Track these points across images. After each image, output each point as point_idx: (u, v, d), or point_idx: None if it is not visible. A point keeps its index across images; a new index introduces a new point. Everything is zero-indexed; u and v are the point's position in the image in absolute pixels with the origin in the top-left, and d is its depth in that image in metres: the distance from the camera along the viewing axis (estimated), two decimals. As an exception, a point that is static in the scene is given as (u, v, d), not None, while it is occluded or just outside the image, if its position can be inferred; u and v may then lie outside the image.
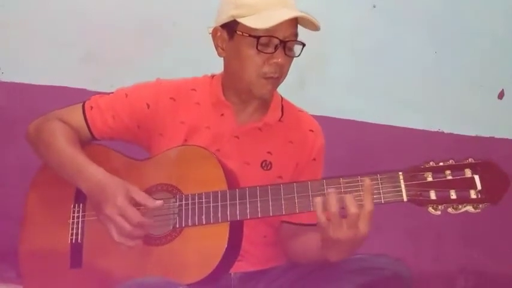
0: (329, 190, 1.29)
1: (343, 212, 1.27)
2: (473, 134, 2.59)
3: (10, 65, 2.40)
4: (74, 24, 2.38)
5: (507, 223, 2.57)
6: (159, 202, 1.41)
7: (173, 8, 2.40)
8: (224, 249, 1.36)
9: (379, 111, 2.53)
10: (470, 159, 1.28)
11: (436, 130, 2.60)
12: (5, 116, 2.38)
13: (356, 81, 2.52)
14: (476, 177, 1.26)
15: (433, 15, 2.53)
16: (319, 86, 2.49)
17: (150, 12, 2.40)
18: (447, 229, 2.55)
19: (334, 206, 1.26)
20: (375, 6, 2.51)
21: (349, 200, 1.26)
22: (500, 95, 2.62)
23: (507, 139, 2.60)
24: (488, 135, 2.60)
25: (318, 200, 1.29)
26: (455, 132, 2.59)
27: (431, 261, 2.58)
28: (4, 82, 2.40)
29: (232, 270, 1.46)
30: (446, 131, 2.60)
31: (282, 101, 1.64)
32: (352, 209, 1.25)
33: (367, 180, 1.27)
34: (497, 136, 2.60)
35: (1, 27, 2.37)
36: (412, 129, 2.56)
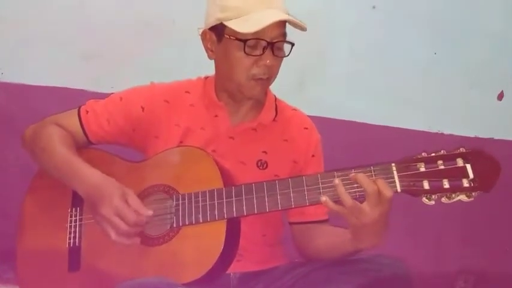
0: (335, 182, 1.28)
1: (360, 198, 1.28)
2: (472, 135, 2.59)
3: (10, 65, 2.39)
4: (74, 25, 2.38)
5: (506, 223, 2.57)
6: (149, 212, 1.40)
7: (173, 7, 2.40)
8: (222, 248, 1.36)
9: (379, 112, 2.53)
10: (461, 149, 1.29)
11: (436, 131, 2.60)
12: (4, 116, 2.38)
13: (356, 82, 2.52)
14: (468, 166, 1.27)
15: (433, 15, 2.53)
16: (318, 87, 2.49)
17: (150, 11, 2.40)
18: (447, 229, 2.55)
19: (348, 200, 1.26)
20: (374, 7, 2.51)
21: (363, 179, 1.26)
22: (500, 96, 2.62)
23: (506, 140, 2.60)
24: (487, 137, 2.60)
25: (325, 198, 1.29)
26: (455, 133, 2.59)
27: (430, 261, 2.58)
28: (4, 82, 2.40)
29: (231, 270, 1.46)
30: (446, 132, 2.60)
31: (275, 100, 1.65)
32: (370, 187, 1.25)
33: (354, 175, 1.27)
34: (496, 137, 2.60)
35: (1, 27, 2.37)
36: (412, 130, 2.56)
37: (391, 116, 2.54)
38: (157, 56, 2.39)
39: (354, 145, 2.49)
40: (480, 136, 2.59)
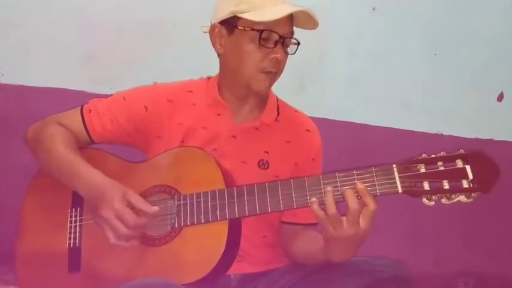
0: (327, 189, 1.30)
1: (343, 210, 1.29)
2: (472, 136, 2.60)
3: (10, 66, 2.39)
4: (74, 26, 2.38)
5: (507, 225, 2.58)
6: (155, 208, 1.40)
7: (173, 9, 2.41)
8: (223, 248, 1.36)
9: (379, 113, 2.54)
10: (461, 150, 1.30)
11: (435, 132, 2.60)
12: (4, 117, 2.38)
13: (356, 83, 2.52)
14: (468, 167, 1.28)
15: (433, 17, 2.54)
16: (318, 88, 2.50)
17: (150, 13, 2.40)
18: (447, 231, 2.55)
19: (332, 208, 1.28)
20: (374, 9, 2.52)
21: (350, 196, 1.28)
22: (500, 98, 2.63)
23: (506, 141, 2.61)
24: (487, 138, 2.61)
25: (314, 199, 1.30)
26: (455, 134, 2.60)
27: (431, 263, 2.58)
28: (4, 84, 2.40)
29: (232, 272, 1.46)
30: (445, 133, 2.61)
31: (277, 101, 1.65)
32: (353, 205, 1.27)
33: (359, 185, 1.29)
34: (496, 138, 2.61)
35: (1, 28, 2.37)
36: (411, 131, 2.57)
37: (391, 117, 2.55)
38: (156, 58, 2.39)
39: (354, 146, 2.50)
40: (480, 137, 2.60)
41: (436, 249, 2.60)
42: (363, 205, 1.27)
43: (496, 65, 2.59)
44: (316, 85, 2.49)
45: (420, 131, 2.58)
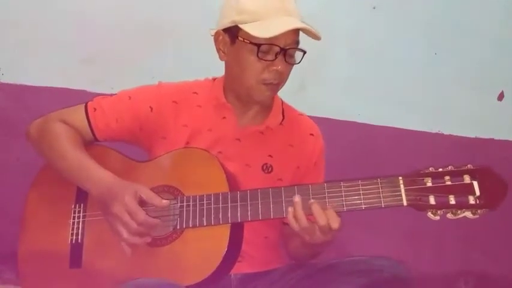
0: (295, 200, 1.33)
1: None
2: (472, 136, 2.59)
3: (10, 66, 2.39)
4: (75, 26, 2.37)
5: (507, 226, 2.57)
6: (165, 201, 1.42)
7: (174, 9, 2.40)
8: (225, 251, 1.37)
9: (379, 113, 2.54)
10: (469, 165, 1.29)
11: (436, 132, 2.60)
12: (5, 117, 2.38)
13: (356, 82, 2.52)
14: (475, 183, 1.27)
15: (433, 16, 2.54)
16: (319, 88, 2.49)
17: (151, 14, 2.40)
18: (447, 232, 2.55)
19: (303, 222, 1.32)
20: (374, 8, 2.52)
21: (317, 212, 1.31)
22: (500, 97, 2.62)
23: (507, 140, 2.61)
24: (487, 137, 2.60)
25: (290, 209, 1.34)
26: (455, 134, 2.60)
27: (431, 263, 2.58)
28: (4, 83, 2.40)
29: (232, 272, 1.46)
30: (446, 132, 2.61)
31: (282, 104, 1.65)
32: (321, 222, 1.31)
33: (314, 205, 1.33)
34: (496, 138, 2.61)
35: (1, 28, 2.37)
36: (412, 130, 2.57)
37: (392, 117, 2.55)
38: (157, 58, 2.39)
39: (354, 146, 2.50)
40: (480, 136, 2.60)
41: (437, 248, 2.60)
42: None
43: (496, 65, 2.58)
44: (316, 85, 2.49)
45: (420, 130, 2.58)
